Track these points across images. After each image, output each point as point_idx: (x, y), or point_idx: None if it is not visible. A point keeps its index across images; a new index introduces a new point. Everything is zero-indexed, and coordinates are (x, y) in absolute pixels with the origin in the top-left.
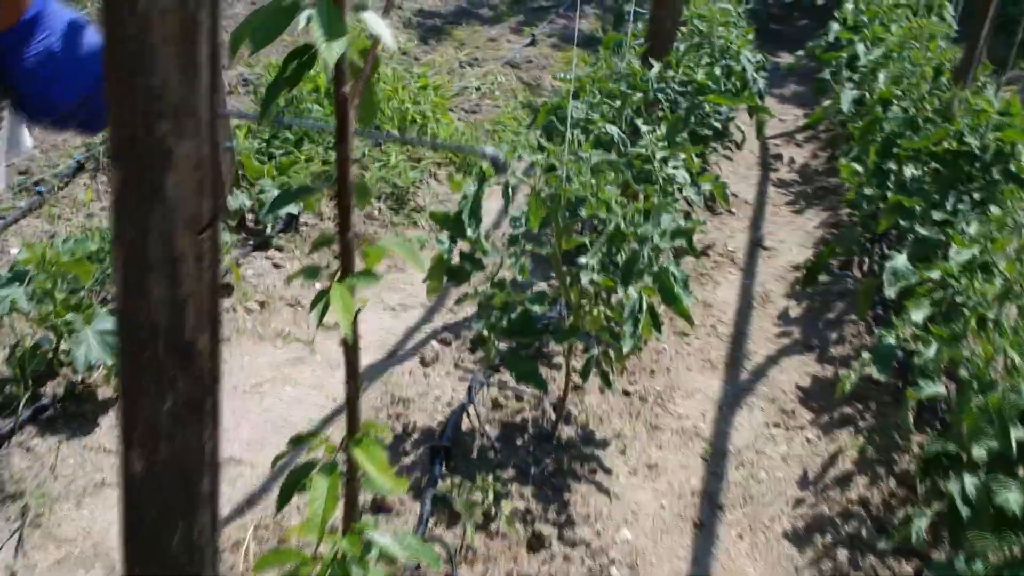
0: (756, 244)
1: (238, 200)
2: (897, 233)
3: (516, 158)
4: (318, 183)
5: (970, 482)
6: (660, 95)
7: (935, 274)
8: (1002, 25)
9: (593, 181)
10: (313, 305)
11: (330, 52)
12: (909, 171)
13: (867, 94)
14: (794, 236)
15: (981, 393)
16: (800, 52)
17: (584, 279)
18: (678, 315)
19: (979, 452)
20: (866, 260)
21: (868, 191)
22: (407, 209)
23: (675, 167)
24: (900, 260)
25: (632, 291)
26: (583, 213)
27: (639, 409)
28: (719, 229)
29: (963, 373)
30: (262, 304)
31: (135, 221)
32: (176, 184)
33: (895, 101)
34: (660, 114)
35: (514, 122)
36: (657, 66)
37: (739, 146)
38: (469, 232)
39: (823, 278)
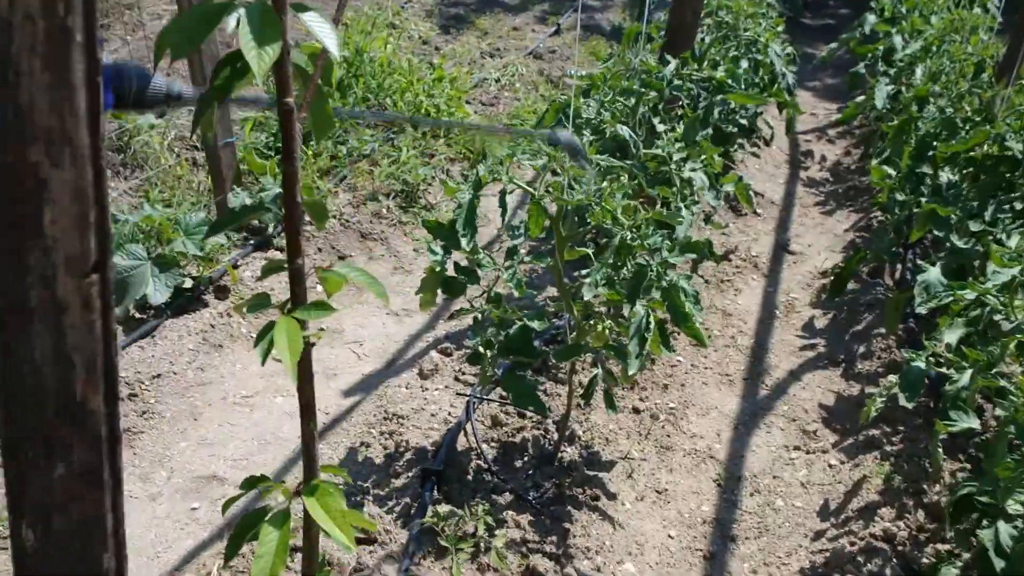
0: (782, 248)
1: (238, 198)
2: (932, 239)
3: (516, 163)
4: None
5: (1005, 531)
6: (678, 93)
7: (970, 294)
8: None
9: (598, 188)
10: (257, 341)
11: (261, 61)
12: (945, 176)
13: (903, 89)
14: (823, 240)
15: (1021, 437)
16: (834, 44)
17: (587, 294)
18: (688, 336)
19: (1015, 507)
20: (898, 267)
21: (900, 196)
22: (417, 207)
23: (693, 169)
24: (933, 273)
25: (639, 307)
26: (589, 221)
27: (649, 428)
28: (743, 232)
29: (999, 410)
30: None
31: (11, 262)
32: (54, 219)
33: (932, 99)
34: (680, 112)
35: (533, 116)
36: (673, 63)
37: (767, 142)
38: (463, 243)
39: (852, 286)
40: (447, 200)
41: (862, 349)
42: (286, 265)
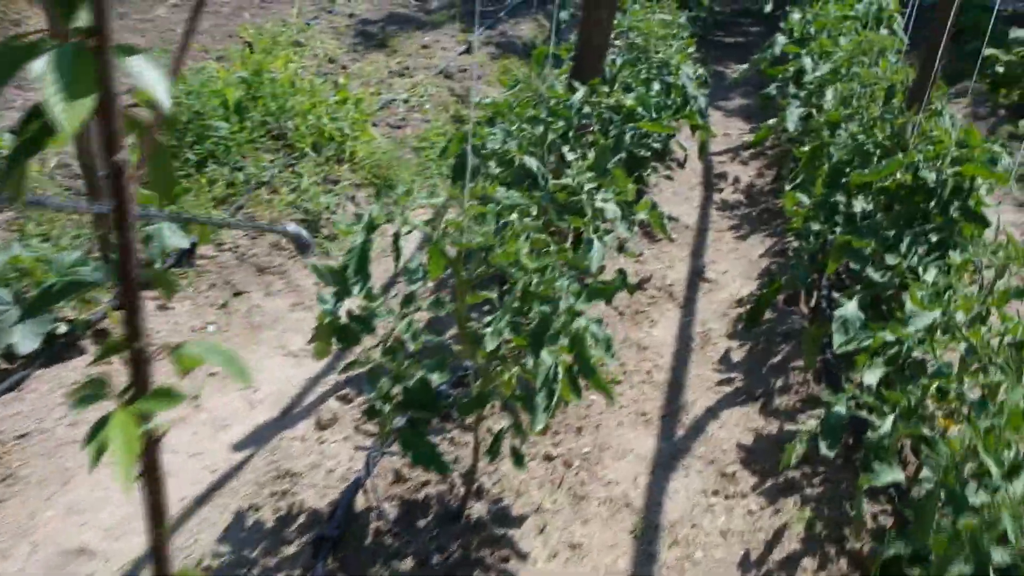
0: (697, 275)
1: None
2: (847, 268)
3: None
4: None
5: None
6: (588, 121)
7: (889, 336)
8: (953, 35)
9: (502, 226)
10: (88, 441)
11: (71, 116)
12: (859, 204)
13: (814, 112)
14: (738, 266)
15: (952, 508)
16: (745, 66)
17: (490, 344)
18: (595, 389)
19: None
20: (814, 294)
21: (815, 226)
22: (319, 237)
23: (605, 199)
24: (850, 308)
25: (545, 356)
26: (491, 261)
27: (562, 476)
28: (658, 258)
29: (925, 470)
30: None
31: None
32: None
33: (844, 124)
34: (590, 139)
35: (442, 138)
36: (582, 90)
37: (681, 164)
38: (355, 291)
39: (768, 314)
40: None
41: (780, 383)
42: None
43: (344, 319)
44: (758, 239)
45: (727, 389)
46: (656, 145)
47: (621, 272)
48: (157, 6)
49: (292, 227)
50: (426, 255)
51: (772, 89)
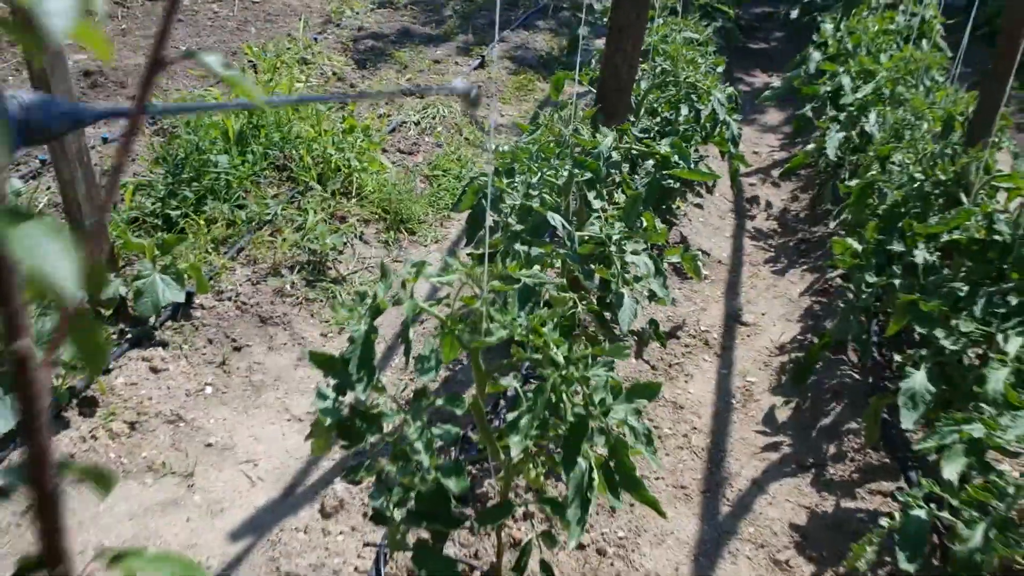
0: (734, 319)
1: (111, 288)
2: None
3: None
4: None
5: None
6: (615, 170)
7: (976, 430)
8: (985, 36)
9: (527, 311)
10: None
11: None
12: (920, 255)
13: (854, 135)
14: (777, 306)
15: None
16: (776, 83)
17: (516, 448)
18: (641, 503)
19: None
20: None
21: (870, 279)
22: (326, 280)
23: (635, 252)
24: (918, 380)
25: (579, 462)
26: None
27: (596, 568)
28: (690, 299)
29: None
30: (132, 424)
31: None
32: None
33: (894, 157)
34: (617, 179)
35: (456, 164)
36: (610, 137)
37: (710, 189)
38: (358, 388)
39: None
40: (360, 268)
41: (833, 449)
42: None
43: (346, 410)
44: (797, 274)
45: (774, 456)
46: None
47: (653, 323)
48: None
49: (459, 83)
50: (439, 340)
51: (808, 110)
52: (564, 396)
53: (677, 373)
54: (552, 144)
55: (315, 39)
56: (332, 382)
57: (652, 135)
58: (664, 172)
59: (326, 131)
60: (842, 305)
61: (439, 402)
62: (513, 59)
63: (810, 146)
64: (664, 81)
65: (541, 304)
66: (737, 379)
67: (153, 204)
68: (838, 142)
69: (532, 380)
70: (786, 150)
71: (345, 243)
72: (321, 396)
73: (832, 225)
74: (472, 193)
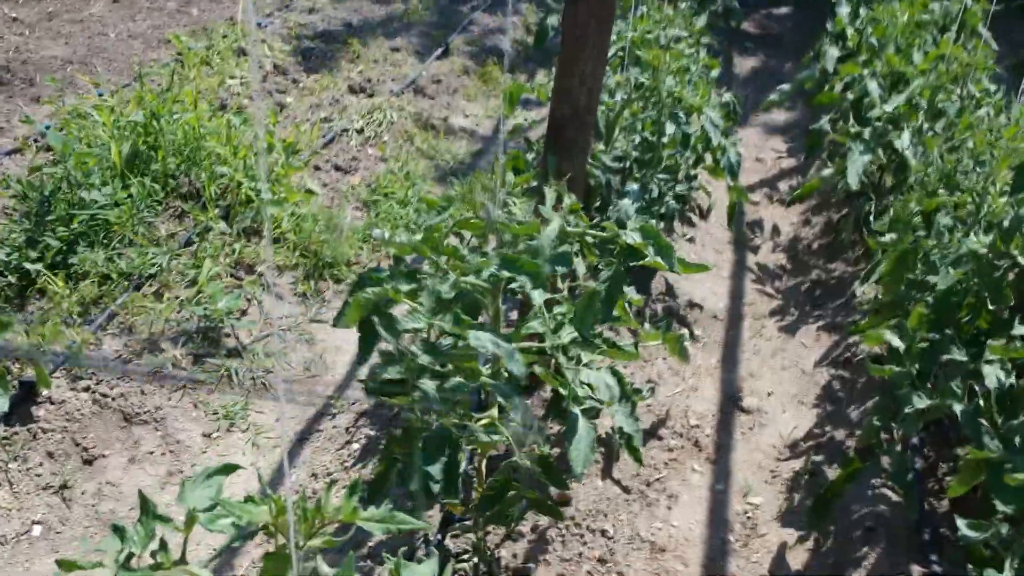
0: (732, 403)
1: None
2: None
3: None
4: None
5: None
6: (562, 268)
7: None
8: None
9: None
10: None
11: None
12: (994, 374)
13: (883, 155)
14: (786, 380)
15: None
16: (785, 86)
17: None
18: None
19: None
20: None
21: (918, 401)
22: (220, 354)
23: (592, 364)
24: None
25: None
26: None
27: None
28: (676, 373)
29: None
30: None
31: None
32: None
33: (942, 218)
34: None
35: (402, 187)
36: (555, 221)
37: (704, 214)
38: None
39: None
40: (267, 335)
41: None
42: None
43: None
44: (810, 332)
45: None
46: (674, 204)
47: (623, 434)
48: (94, 3)
49: None
50: None
51: (825, 123)
52: None
53: (657, 495)
54: (476, 226)
55: (260, 24)
56: None
57: (628, 165)
58: (631, 263)
59: (239, 148)
60: (875, 421)
61: None
62: (482, 48)
63: (827, 171)
64: (643, 95)
65: (458, 456)
66: (736, 500)
67: (8, 255)
68: (862, 166)
69: None
70: (795, 157)
71: (252, 299)
72: None
73: (853, 257)
74: (356, 308)
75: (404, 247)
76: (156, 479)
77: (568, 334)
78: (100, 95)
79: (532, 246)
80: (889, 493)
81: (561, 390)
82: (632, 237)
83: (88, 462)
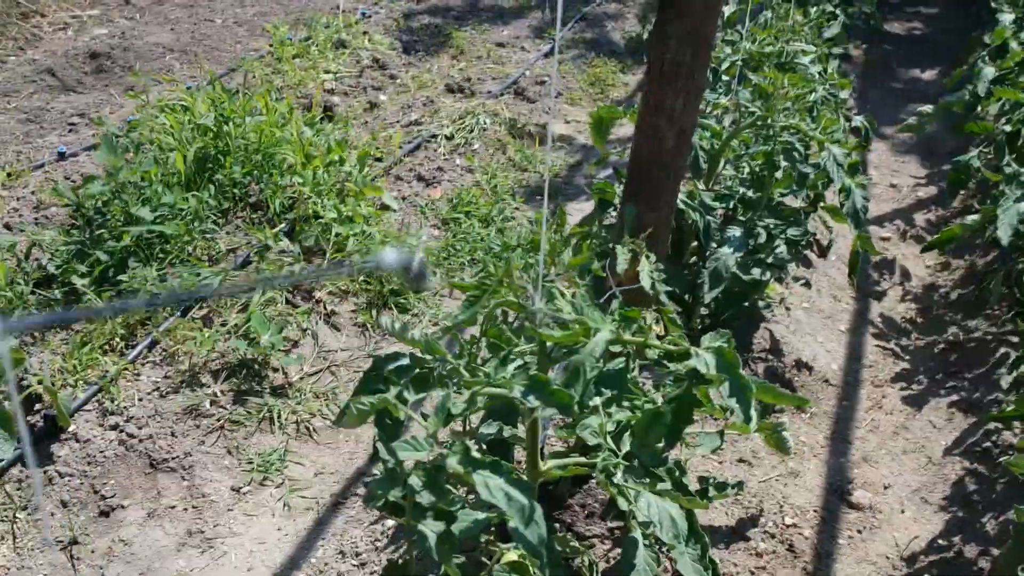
0: (838, 496)
1: None
2: None
3: None
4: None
5: None
6: (607, 390)
7: None
8: None
9: None
10: None
11: None
12: None
13: None
14: (908, 469)
15: None
16: (927, 108)
17: None
18: None
19: None
20: None
21: None
22: (265, 389)
23: (655, 496)
24: None
25: None
26: None
27: None
28: (772, 454)
29: None
30: None
31: None
32: None
33: None
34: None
35: (487, 203)
36: (605, 330)
37: (823, 252)
38: None
39: None
40: (320, 370)
41: None
42: None
43: None
44: (942, 408)
45: None
46: (784, 252)
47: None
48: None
49: (391, 256)
50: None
51: (974, 156)
52: None
53: None
54: (503, 328)
55: (364, 14)
56: None
57: (731, 206)
58: (697, 380)
59: (312, 157)
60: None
61: None
62: (591, 43)
63: (972, 217)
64: (754, 123)
65: None
66: None
67: (57, 267)
68: (1017, 217)
69: None
70: (936, 184)
71: (306, 330)
72: None
73: (1001, 317)
74: (356, 417)
75: (417, 344)
76: (174, 539)
77: (618, 463)
78: (188, 88)
79: (571, 365)
80: None
81: (620, 503)
82: (705, 361)
83: (104, 513)
